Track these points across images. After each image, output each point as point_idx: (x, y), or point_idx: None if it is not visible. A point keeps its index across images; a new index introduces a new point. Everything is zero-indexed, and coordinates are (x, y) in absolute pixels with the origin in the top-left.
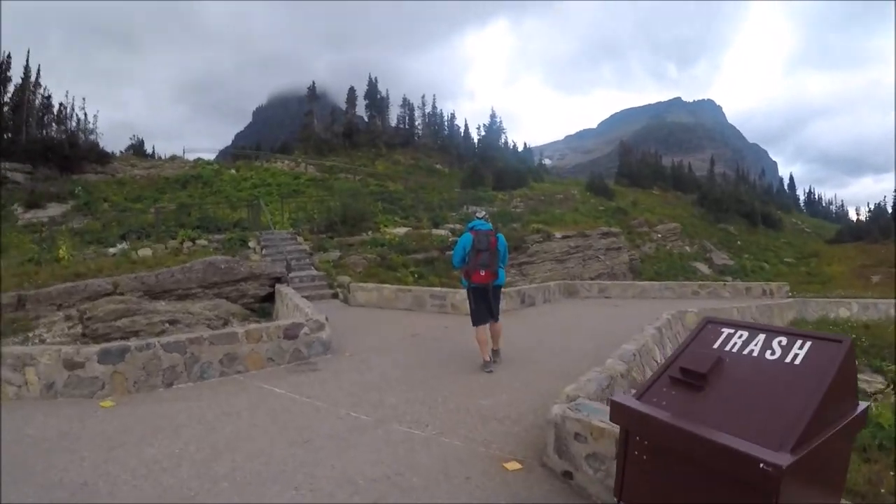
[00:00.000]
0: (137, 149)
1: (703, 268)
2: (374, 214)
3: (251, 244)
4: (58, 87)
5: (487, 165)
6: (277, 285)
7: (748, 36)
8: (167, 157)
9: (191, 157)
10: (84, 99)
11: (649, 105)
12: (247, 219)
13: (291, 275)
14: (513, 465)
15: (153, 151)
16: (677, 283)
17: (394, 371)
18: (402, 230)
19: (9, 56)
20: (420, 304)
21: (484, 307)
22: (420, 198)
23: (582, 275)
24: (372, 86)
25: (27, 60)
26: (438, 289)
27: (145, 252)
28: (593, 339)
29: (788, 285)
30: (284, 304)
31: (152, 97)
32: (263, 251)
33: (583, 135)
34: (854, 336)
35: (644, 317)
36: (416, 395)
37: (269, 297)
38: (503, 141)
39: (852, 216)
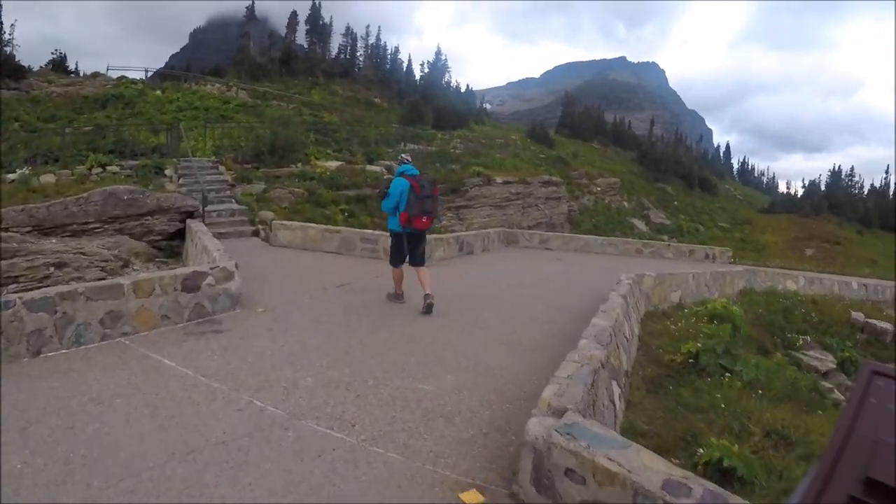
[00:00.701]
0: (59, 64)
1: (640, 224)
2: (305, 145)
3: (168, 172)
4: None
5: (428, 103)
6: (189, 221)
7: (700, 6)
8: (90, 74)
9: (115, 75)
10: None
11: (594, 61)
12: (166, 144)
13: (209, 208)
14: (472, 498)
15: (76, 68)
16: (620, 240)
17: (314, 334)
18: (334, 164)
19: None
20: (349, 248)
21: (405, 252)
22: (355, 131)
23: (521, 223)
24: (315, 11)
25: None
26: (370, 231)
27: (48, 179)
28: (543, 298)
29: (731, 251)
30: (194, 244)
31: (83, 11)
32: (181, 181)
33: (525, 83)
34: (804, 311)
35: (590, 273)
36: (340, 372)
37: (180, 234)
38: (446, 81)
39: (782, 189)
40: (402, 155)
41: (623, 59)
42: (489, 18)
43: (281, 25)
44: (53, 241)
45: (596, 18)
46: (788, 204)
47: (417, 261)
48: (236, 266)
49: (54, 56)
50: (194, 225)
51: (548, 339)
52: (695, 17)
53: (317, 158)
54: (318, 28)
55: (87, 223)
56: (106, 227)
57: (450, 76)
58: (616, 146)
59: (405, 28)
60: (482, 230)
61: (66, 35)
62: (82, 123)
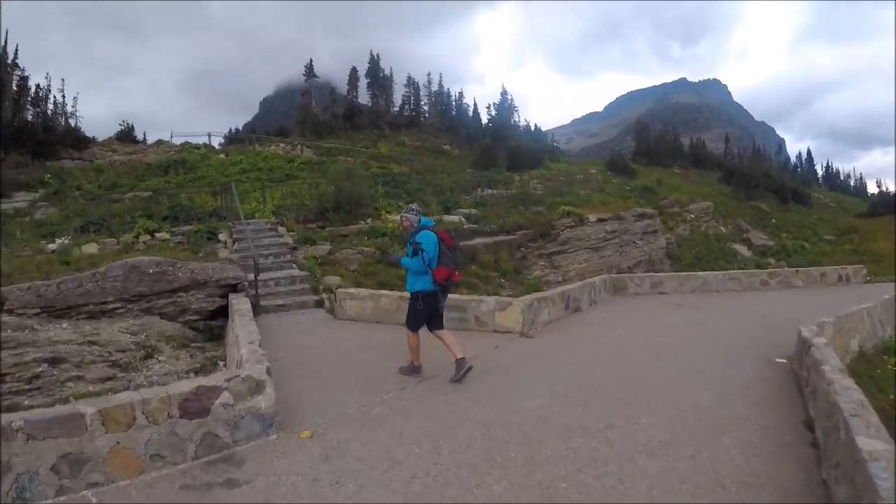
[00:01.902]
0: (126, 135)
1: (742, 250)
2: (374, 199)
3: (222, 237)
4: (56, 76)
5: (500, 145)
6: (231, 297)
7: (753, 11)
8: (154, 142)
9: (179, 141)
10: (63, 80)
11: (654, 87)
12: (223, 207)
13: (265, 276)
14: None
15: (144, 138)
16: (742, 273)
17: (390, 482)
18: None
19: None
20: None
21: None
22: (427, 180)
23: (620, 264)
24: (374, 63)
25: (4, 41)
26: (455, 296)
27: (91, 249)
28: (698, 371)
29: (864, 268)
30: (232, 330)
31: (156, 87)
32: (235, 246)
33: (589, 118)
34: None
35: (729, 322)
36: None
37: (223, 312)
38: (515, 121)
39: (872, 189)
40: (413, 206)
41: (683, 80)
42: (545, 57)
43: (340, 82)
44: (64, 325)
45: (649, 41)
46: (888, 204)
47: (440, 323)
48: (268, 372)
49: (122, 127)
50: (236, 302)
51: (760, 459)
52: (748, 26)
53: (387, 212)
54: (379, 81)
55: (105, 303)
56: (129, 306)
57: (517, 116)
58: (696, 168)
59: (465, 76)
60: (586, 280)
61: (138, 110)
62: (143, 189)
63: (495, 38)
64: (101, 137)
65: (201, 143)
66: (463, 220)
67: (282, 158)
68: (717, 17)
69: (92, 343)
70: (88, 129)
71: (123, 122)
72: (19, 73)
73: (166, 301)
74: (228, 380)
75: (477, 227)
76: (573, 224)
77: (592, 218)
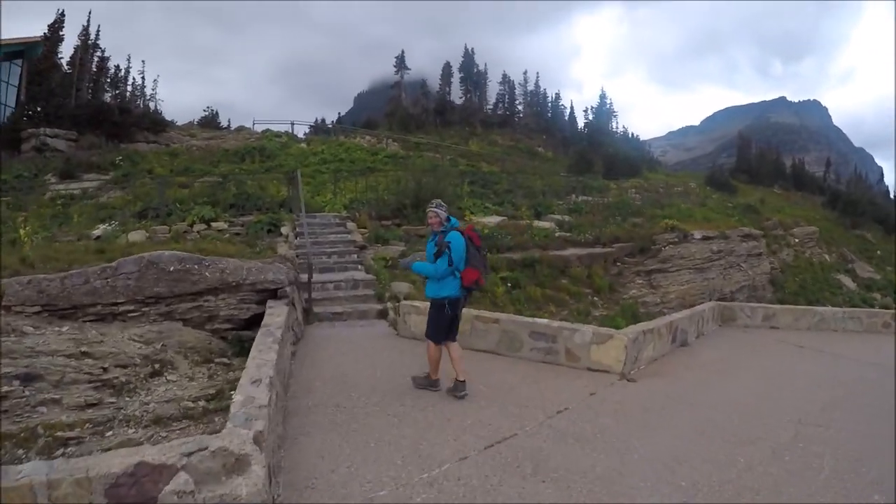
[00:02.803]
0: (210, 121)
1: (847, 281)
2: (458, 197)
3: (284, 230)
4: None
5: (596, 150)
6: (270, 305)
7: (860, 34)
8: (234, 128)
9: (260, 129)
10: (143, 62)
11: (753, 104)
12: (294, 199)
13: (324, 278)
14: None
15: (229, 124)
16: (864, 312)
17: None
18: (494, 219)
19: (62, 14)
20: (513, 346)
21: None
22: (518, 181)
23: (723, 288)
24: (468, 59)
25: (87, 22)
26: (544, 321)
27: (137, 236)
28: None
29: None
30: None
31: (249, 78)
32: (297, 240)
33: (685, 132)
34: None
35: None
36: None
37: (261, 320)
38: (612, 127)
39: None
40: (440, 202)
41: (783, 99)
42: (644, 66)
43: (433, 79)
44: (64, 328)
45: (750, 57)
46: None
47: (455, 333)
48: (257, 440)
49: (206, 113)
50: (271, 312)
51: None
52: (854, 48)
53: (472, 213)
54: (473, 77)
55: (116, 304)
56: (145, 309)
57: (616, 122)
58: (798, 190)
59: (562, 82)
60: (695, 309)
61: (230, 99)
62: (216, 175)
63: (595, 44)
64: (174, 118)
65: (283, 131)
66: (554, 226)
67: (365, 150)
68: (822, 36)
69: (85, 354)
70: (178, 116)
71: (208, 108)
72: (100, 54)
73: (190, 305)
74: (189, 454)
75: (570, 236)
76: (676, 240)
77: (697, 235)
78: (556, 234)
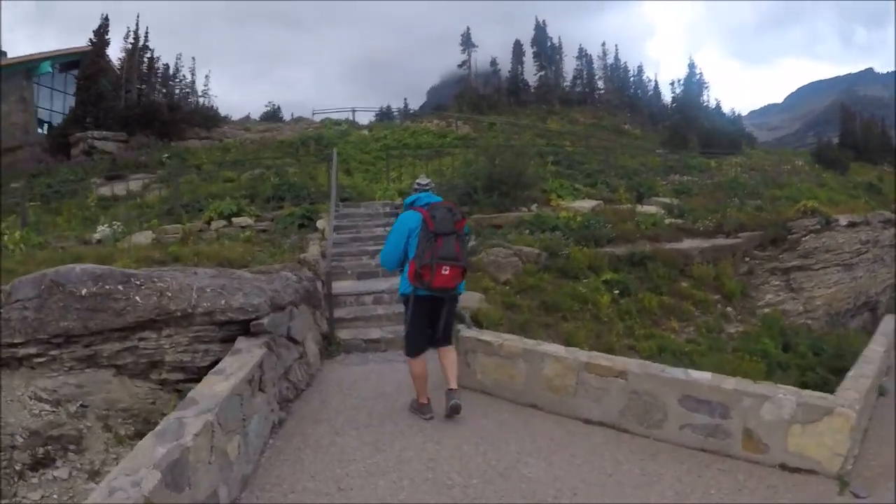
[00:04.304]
0: (272, 115)
1: None
2: (541, 179)
3: (320, 224)
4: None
5: (690, 126)
6: (239, 344)
7: None
8: (292, 119)
9: (319, 118)
10: (194, 59)
11: (838, 77)
12: (350, 187)
13: (360, 287)
14: None
15: (293, 117)
16: None
17: None
18: (587, 204)
19: (106, 19)
20: (649, 417)
21: (427, 327)
22: (609, 161)
23: (869, 290)
24: (540, 32)
25: (136, 25)
26: (706, 376)
27: (142, 238)
28: None
29: None
30: None
31: (318, 76)
32: (335, 236)
33: (767, 111)
34: None
35: None
36: None
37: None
38: (704, 100)
39: None
40: (418, 180)
41: (870, 70)
42: (721, 41)
43: (503, 59)
44: None
45: (833, 26)
46: None
47: (439, 337)
48: None
49: (268, 109)
50: (230, 363)
51: None
52: None
53: (560, 196)
54: (546, 51)
55: (14, 345)
56: (56, 352)
57: (707, 95)
58: None
59: (639, 62)
60: (884, 330)
61: (301, 99)
62: (262, 168)
63: (669, 20)
64: (228, 114)
65: (343, 119)
66: (662, 211)
67: (433, 134)
68: None
69: None
70: (242, 115)
71: (269, 103)
72: (149, 55)
73: (119, 347)
74: None
75: (682, 224)
76: (818, 227)
77: (843, 221)
78: (666, 221)
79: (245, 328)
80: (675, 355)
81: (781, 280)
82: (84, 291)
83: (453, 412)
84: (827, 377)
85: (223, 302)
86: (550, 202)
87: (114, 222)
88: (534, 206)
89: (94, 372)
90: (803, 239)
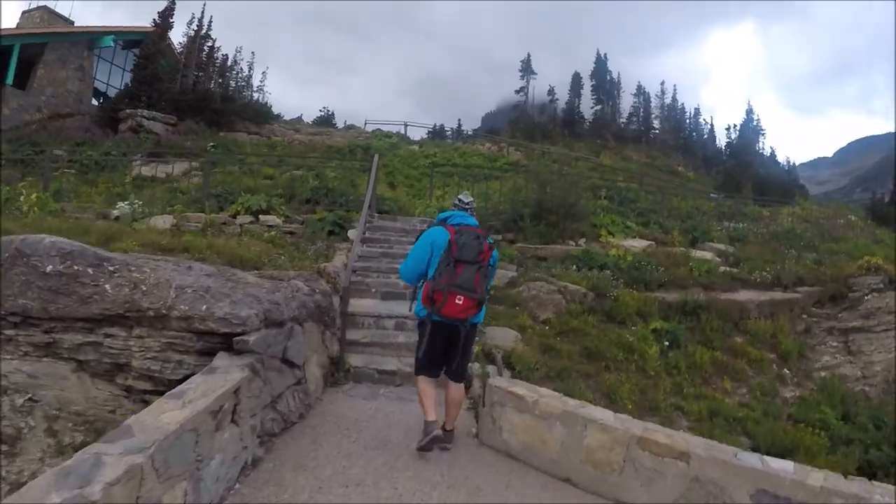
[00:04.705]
0: (326, 121)
1: None
2: (593, 213)
3: (352, 233)
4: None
5: (744, 172)
6: (217, 362)
7: None
8: (344, 126)
9: (371, 128)
10: (253, 53)
11: (890, 133)
12: (391, 200)
13: (384, 309)
14: None
15: (346, 124)
16: None
17: None
18: (638, 243)
19: (173, 2)
20: None
21: (441, 354)
22: (660, 201)
23: None
24: (600, 64)
25: (202, 12)
26: (788, 468)
27: (162, 222)
28: None
29: None
30: None
31: (377, 88)
32: (364, 247)
33: (816, 164)
34: None
35: None
36: None
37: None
38: (759, 147)
39: None
40: (461, 196)
41: None
42: (775, 90)
43: (560, 90)
44: None
45: (890, 78)
46: None
47: (451, 371)
48: None
49: (322, 113)
50: (197, 385)
51: None
52: None
53: (611, 233)
54: (605, 85)
55: None
56: (12, 332)
57: (762, 142)
58: None
59: (694, 104)
60: None
61: (358, 108)
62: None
63: (724, 66)
64: (281, 112)
65: (395, 132)
66: (717, 258)
67: (484, 157)
68: None
69: None
70: (295, 115)
71: (324, 108)
72: (210, 44)
73: (82, 339)
74: None
75: (738, 273)
76: (880, 286)
77: None
78: (721, 269)
79: (225, 342)
80: (727, 421)
81: (839, 341)
82: (49, 268)
83: (429, 446)
84: (893, 455)
85: (204, 308)
86: (600, 238)
87: (135, 201)
88: (582, 241)
89: (51, 363)
90: (865, 298)
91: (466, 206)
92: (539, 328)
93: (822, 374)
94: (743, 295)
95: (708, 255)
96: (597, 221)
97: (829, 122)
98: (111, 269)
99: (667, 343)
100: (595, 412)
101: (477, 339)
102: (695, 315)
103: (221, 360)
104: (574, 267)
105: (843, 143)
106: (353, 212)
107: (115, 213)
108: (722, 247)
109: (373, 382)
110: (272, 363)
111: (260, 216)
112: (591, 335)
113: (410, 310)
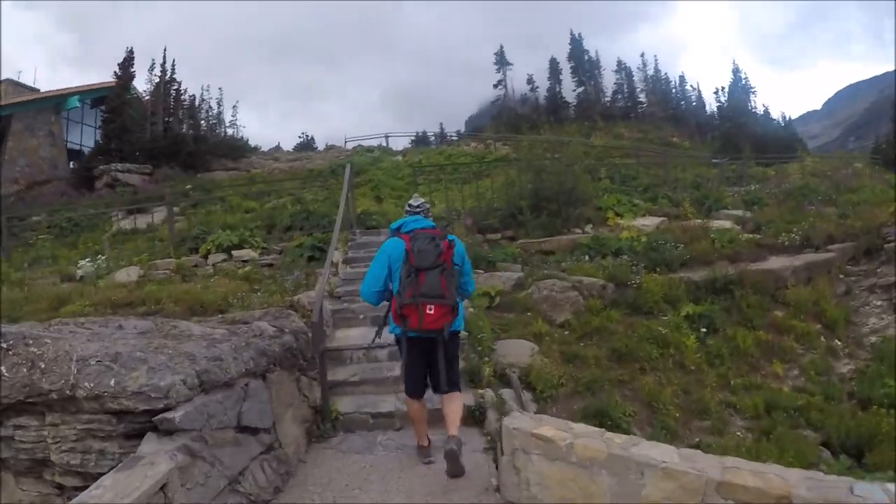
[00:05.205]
0: (307, 146)
1: None
2: (595, 195)
3: (335, 255)
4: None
5: (741, 133)
6: (144, 448)
7: None
8: (324, 148)
9: (351, 145)
10: (221, 90)
11: (876, 77)
12: (377, 214)
13: (376, 342)
14: None
15: (326, 147)
16: None
17: None
18: (650, 220)
19: (131, 52)
20: None
21: (423, 369)
22: (661, 175)
23: None
24: (576, 45)
25: (164, 58)
26: None
27: (126, 276)
28: None
29: None
30: None
31: (355, 108)
32: (348, 269)
33: (806, 119)
34: None
35: None
36: None
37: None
38: (752, 106)
39: None
40: (410, 201)
41: None
42: (752, 48)
43: (535, 73)
44: None
45: (862, 24)
46: None
47: (438, 383)
48: None
49: (301, 139)
50: (113, 484)
51: None
52: None
53: (618, 214)
54: (584, 65)
55: None
56: None
57: (754, 99)
58: None
59: (677, 73)
60: None
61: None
62: (285, 198)
63: (702, 31)
64: (258, 144)
65: (376, 145)
66: (736, 226)
67: (471, 157)
68: None
69: None
70: (278, 147)
71: (302, 133)
72: (176, 87)
73: None
74: None
75: (762, 239)
76: None
77: None
78: (743, 238)
79: (148, 421)
80: (787, 413)
81: (883, 299)
82: None
83: (453, 465)
84: None
85: (112, 382)
86: (608, 221)
87: (99, 257)
88: (588, 227)
89: None
90: None
91: (418, 210)
92: (558, 333)
93: (873, 339)
94: (774, 262)
95: (726, 223)
96: (601, 204)
97: (811, 73)
98: (4, 345)
99: (704, 329)
100: (652, 451)
101: (487, 358)
102: (727, 292)
103: (149, 443)
104: (586, 257)
105: (830, 94)
106: (341, 231)
107: (80, 272)
108: (739, 213)
109: (367, 430)
110: (222, 436)
111: (232, 252)
112: (618, 333)
113: (379, 336)
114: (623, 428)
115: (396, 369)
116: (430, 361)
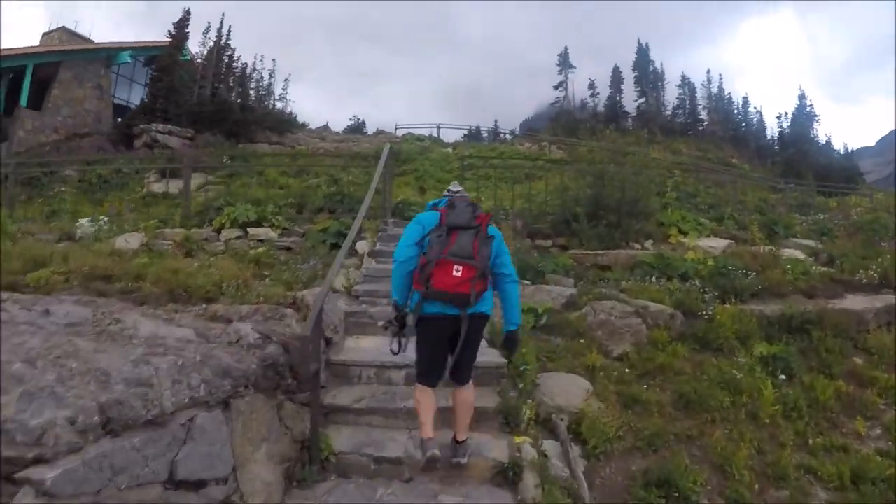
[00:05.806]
0: (356, 128)
1: None
2: (658, 209)
3: (361, 246)
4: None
5: (803, 160)
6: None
7: None
8: (374, 132)
9: (402, 133)
10: (274, 61)
11: None
12: (417, 205)
13: (390, 356)
14: None
15: (378, 131)
16: None
17: None
18: (717, 242)
19: (188, 12)
20: None
21: (444, 351)
22: (720, 196)
23: None
24: (642, 54)
25: (220, 23)
26: None
27: (127, 242)
28: None
29: None
30: None
31: (413, 98)
32: (372, 264)
33: (859, 154)
34: None
35: None
36: None
37: None
38: (814, 134)
39: None
40: (449, 187)
41: None
42: (813, 80)
43: (598, 78)
44: None
45: None
46: None
47: (457, 372)
48: None
49: (352, 122)
50: None
51: None
52: None
53: (682, 231)
54: (649, 75)
55: None
56: None
57: (817, 129)
58: None
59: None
60: None
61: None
62: (322, 177)
63: (764, 57)
64: (306, 121)
65: (426, 135)
66: (807, 257)
67: (524, 156)
68: None
69: None
70: (324, 125)
71: (353, 116)
72: (229, 54)
73: None
74: None
75: (835, 273)
76: None
77: None
78: (815, 270)
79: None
80: (875, 486)
81: None
82: None
83: (459, 452)
84: None
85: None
86: (669, 238)
87: (101, 217)
88: (648, 243)
89: None
90: None
91: (457, 195)
92: (615, 368)
93: None
94: (852, 301)
95: (797, 253)
96: (664, 219)
97: (867, 111)
98: None
99: (782, 376)
100: None
101: (531, 399)
102: (803, 332)
103: (26, 498)
104: (649, 275)
105: (884, 132)
106: (372, 219)
107: (78, 232)
108: (810, 243)
109: (367, 477)
110: (138, 498)
111: (249, 229)
112: (686, 374)
113: (401, 346)
114: (692, 501)
115: (412, 400)
116: (448, 344)
